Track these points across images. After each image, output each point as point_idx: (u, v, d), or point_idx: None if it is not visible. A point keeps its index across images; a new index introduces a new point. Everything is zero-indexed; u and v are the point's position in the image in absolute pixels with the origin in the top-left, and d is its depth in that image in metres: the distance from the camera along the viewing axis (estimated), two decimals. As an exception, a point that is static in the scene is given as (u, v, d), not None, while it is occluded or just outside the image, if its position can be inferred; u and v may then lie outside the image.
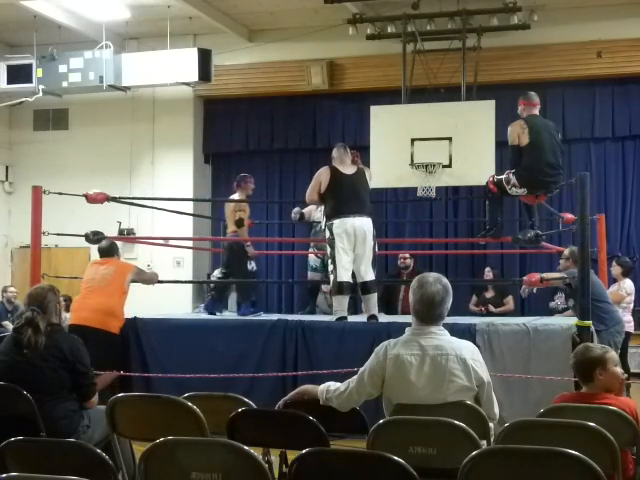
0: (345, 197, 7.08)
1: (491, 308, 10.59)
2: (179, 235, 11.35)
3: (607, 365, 3.90)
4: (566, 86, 11.62)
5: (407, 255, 10.57)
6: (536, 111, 7.32)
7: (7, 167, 13.62)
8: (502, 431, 3.38)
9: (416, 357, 3.66)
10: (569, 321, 6.75)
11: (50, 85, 11.78)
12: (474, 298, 10.94)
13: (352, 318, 7.30)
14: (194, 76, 11.42)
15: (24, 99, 12.14)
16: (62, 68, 11.64)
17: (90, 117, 13.19)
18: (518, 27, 11.14)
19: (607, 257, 9.33)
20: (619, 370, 3.96)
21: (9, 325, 9.97)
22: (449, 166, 10.34)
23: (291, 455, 3.31)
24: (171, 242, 11.12)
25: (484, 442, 3.47)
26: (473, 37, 11.26)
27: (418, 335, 3.72)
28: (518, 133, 7.10)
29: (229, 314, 8.94)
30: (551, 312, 10.41)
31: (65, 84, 11.72)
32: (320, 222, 9.09)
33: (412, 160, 10.41)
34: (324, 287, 9.30)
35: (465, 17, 11.06)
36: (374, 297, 7.22)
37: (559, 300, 10.52)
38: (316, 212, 9.03)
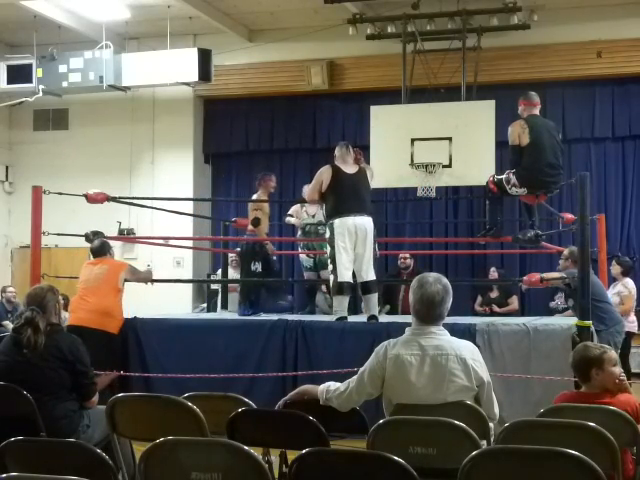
0: (346, 196, 7.07)
1: (495, 308, 10.60)
2: (179, 235, 11.35)
3: (604, 365, 3.89)
4: (566, 86, 11.62)
5: (407, 255, 10.58)
6: (536, 111, 7.32)
7: (7, 167, 13.63)
8: (502, 431, 3.38)
9: (416, 357, 3.66)
10: (569, 321, 6.74)
11: (50, 85, 11.78)
12: (479, 298, 10.97)
13: (352, 318, 7.29)
14: (194, 76, 11.43)
15: (24, 99, 12.15)
16: (62, 68, 11.66)
17: (90, 117, 13.19)
18: (518, 27, 11.15)
19: (607, 257, 9.33)
20: (618, 370, 3.95)
21: (9, 325, 9.97)
22: (449, 166, 10.35)
23: (291, 455, 3.31)
24: (171, 242, 11.12)
25: (484, 442, 3.47)
26: (473, 37, 11.27)
27: (418, 335, 3.72)
28: (518, 133, 7.10)
29: (229, 314, 8.93)
30: (551, 312, 10.42)
31: (65, 84, 11.73)
32: (309, 223, 9.14)
33: (412, 160, 10.42)
34: (323, 287, 9.31)
35: (465, 17, 11.07)
36: (374, 297, 7.20)
37: (559, 300, 10.51)
38: (317, 211, 8.98)
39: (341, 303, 7.05)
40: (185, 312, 11.49)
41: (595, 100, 11.70)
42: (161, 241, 11.32)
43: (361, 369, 3.84)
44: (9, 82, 11.92)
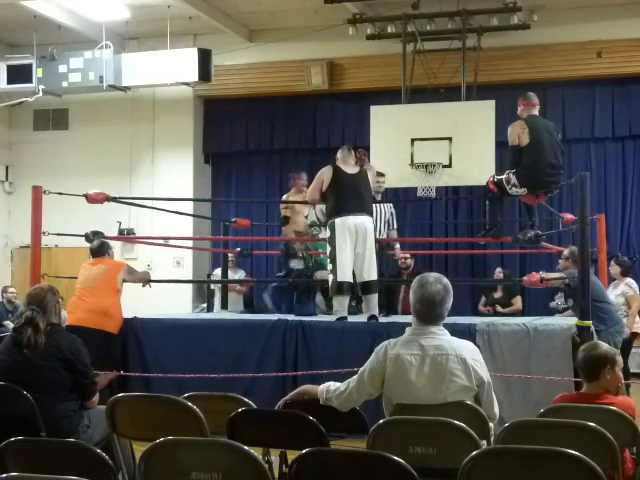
0: (346, 195, 7.07)
1: (499, 308, 10.60)
2: (179, 235, 11.35)
3: (615, 366, 3.92)
4: (566, 86, 11.62)
5: (407, 255, 10.57)
6: (536, 111, 7.32)
7: (7, 167, 13.63)
8: (502, 431, 3.38)
9: (416, 357, 3.66)
10: (569, 321, 6.74)
11: (50, 85, 11.78)
12: (483, 299, 10.97)
13: (352, 318, 7.29)
14: (194, 76, 11.42)
15: (24, 99, 12.14)
16: (62, 68, 11.65)
17: (90, 117, 13.19)
18: (518, 27, 11.15)
19: (607, 257, 9.32)
20: (621, 374, 3.99)
21: (9, 325, 9.97)
22: (449, 166, 10.35)
23: (291, 455, 3.31)
24: (171, 242, 11.11)
25: (484, 442, 3.47)
26: (473, 37, 11.26)
27: (418, 335, 3.72)
28: (518, 133, 7.10)
29: (229, 314, 8.94)
30: (551, 312, 10.41)
31: (65, 84, 11.73)
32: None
33: (412, 160, 10.42)
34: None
35: (465, 17, 11.06)
36: (375, 297, 7.20)
37: (559, 300, 10.51)
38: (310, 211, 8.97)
39: (341, 303, 7.05)
40: (185, 312, 11.48)
41: (595, 100, 11.70)
42: (161, 241, 11.31)
43: (361, 369, 3.84)
44: (9, 82, 11.92)
